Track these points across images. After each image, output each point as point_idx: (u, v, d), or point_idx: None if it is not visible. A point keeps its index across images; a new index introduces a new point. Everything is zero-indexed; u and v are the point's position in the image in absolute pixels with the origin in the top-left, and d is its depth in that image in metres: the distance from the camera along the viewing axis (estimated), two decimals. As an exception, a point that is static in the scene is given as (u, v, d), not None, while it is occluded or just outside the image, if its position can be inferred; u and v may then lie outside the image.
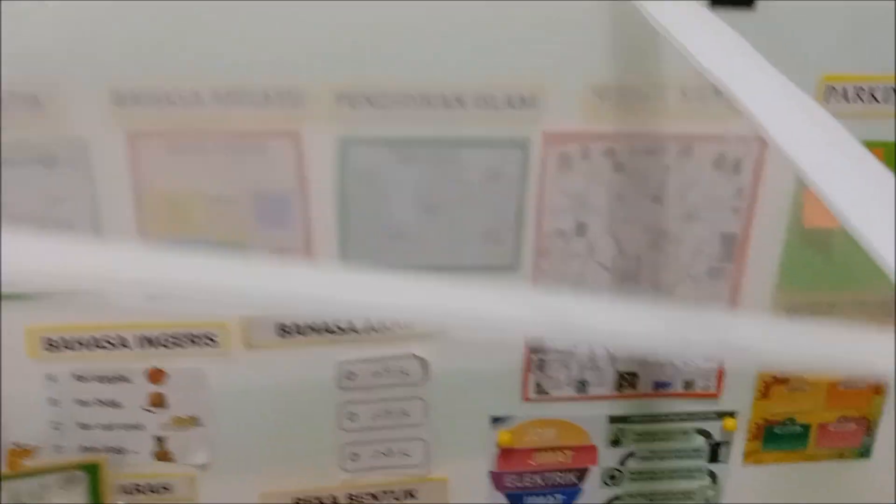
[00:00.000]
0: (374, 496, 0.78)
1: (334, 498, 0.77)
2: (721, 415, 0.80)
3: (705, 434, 0.80)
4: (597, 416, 0.78)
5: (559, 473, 0.80)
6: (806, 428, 0.82)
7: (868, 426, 0.83)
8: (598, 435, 0.79)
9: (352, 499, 0.78)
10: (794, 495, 0.85)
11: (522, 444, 0.78)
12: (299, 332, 0.70)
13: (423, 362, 0.73)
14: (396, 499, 0.78)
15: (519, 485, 0.80)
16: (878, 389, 0.81)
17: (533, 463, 0.79)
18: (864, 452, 0.84)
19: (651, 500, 0.83)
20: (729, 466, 0.82)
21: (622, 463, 0.81)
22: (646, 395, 0.78)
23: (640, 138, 0.68)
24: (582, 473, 0.81)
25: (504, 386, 0.76)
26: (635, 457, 0.80)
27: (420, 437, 0.77)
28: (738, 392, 0.79)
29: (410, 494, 0.79)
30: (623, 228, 0.71)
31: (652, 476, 0.82)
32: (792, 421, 0.81)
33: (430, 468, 0.78)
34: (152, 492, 0.74)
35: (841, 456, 0.84)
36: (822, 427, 0.82)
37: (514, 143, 0.66)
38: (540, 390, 0.76)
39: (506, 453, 0.78)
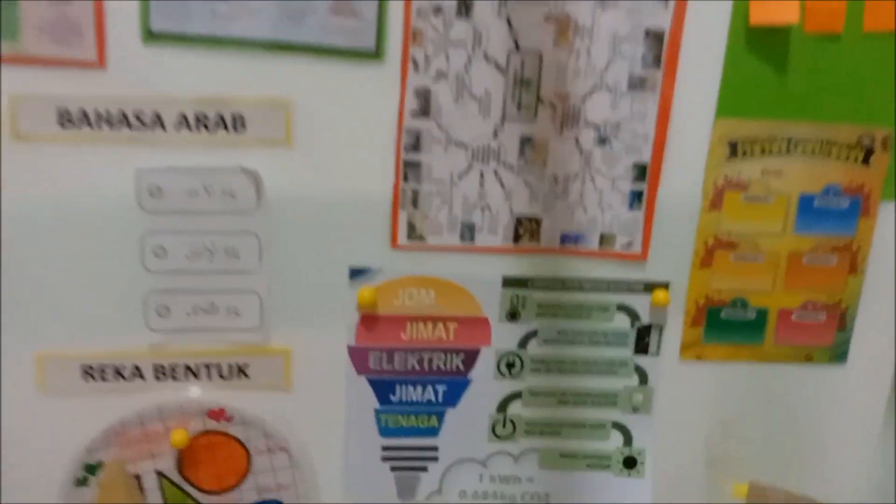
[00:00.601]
0: (190, 370, 0.60)
1: (137, 368, 0.59)
2: (649, 286, 0.62)
3: (630, 312, 0.62)
4: (488, 275, 0.61)
5: (440, 355, 0.62)
6: (762, 314, 0.64)
7: (842, 317, 0.65)
8: (490, 303, 0.61)
9: (160, 372, 0.59)
10: (747, 406, 0.66)
11: (391, 310, 0.60)
12: (86, 122, 0.54)
13: (257, 181, 0.56)
14: (222, 375, 0.60)
15: (387, 368, 0.62)
16: (853, 267, 0.64)
17: (405, 337, 0.61)
18: (839, 355, 0.66)
19: (561, 401, 0.64)
20: (661, 362, 0.64)
21: (522, 345, 0.62)
22: (551, 251, 0.60)
23: None
24: (470, 358, 0.62)
25: (366, 226, 0.58)
26: (539, 338, 0.62)
27: (253, 290, 0.59)
28: (670, 256, 0.61)
29: (241, 371, 0.60)
30: (519, 10, 0.55)
31: (561, 367, 0.63)
32: (743, 303, 0.63)
33: (267, 334, 0.59)
34: None
35: (808, 358, 0.65)
36: (784, 315, 0.64)
37: None
38: (413, 235, 0.59)
39: (369, 321, 0.60)
